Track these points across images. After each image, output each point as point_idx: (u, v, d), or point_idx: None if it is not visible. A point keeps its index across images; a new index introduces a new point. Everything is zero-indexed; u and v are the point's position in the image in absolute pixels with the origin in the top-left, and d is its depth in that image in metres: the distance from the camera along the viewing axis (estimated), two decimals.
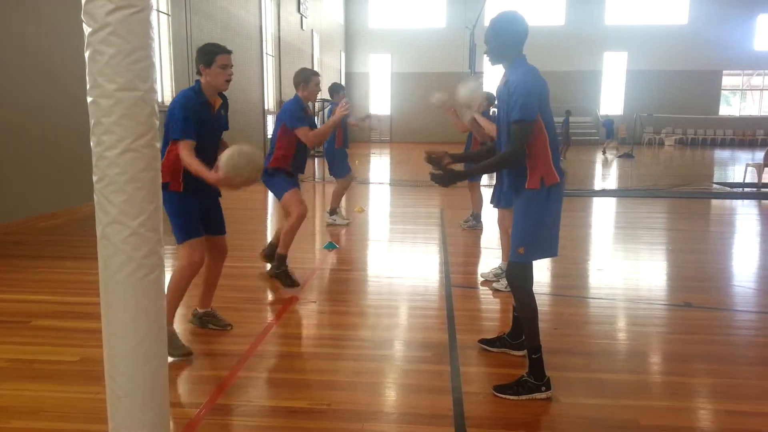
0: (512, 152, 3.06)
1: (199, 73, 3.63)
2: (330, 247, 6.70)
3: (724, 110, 31.71)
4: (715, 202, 11.06)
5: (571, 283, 5.47)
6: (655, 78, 30.22)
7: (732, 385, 3.34)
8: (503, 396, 3.14)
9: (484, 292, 5.11)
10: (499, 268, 5.32)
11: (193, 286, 3.85)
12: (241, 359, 3.62)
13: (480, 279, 5.44)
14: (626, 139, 23.94)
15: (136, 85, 2.11)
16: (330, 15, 28.06)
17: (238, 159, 3.18)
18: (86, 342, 3.84)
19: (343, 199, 8.77)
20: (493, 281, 5.25)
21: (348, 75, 31.96)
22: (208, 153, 3.65)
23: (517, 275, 3.22)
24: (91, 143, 2.14)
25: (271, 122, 18.81)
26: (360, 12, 31.92)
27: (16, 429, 2.84)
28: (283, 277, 5.10)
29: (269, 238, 7.73)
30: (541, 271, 5.63)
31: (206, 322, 4.09)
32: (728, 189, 12.63)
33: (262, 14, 17.90)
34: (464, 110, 6.23)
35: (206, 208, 3.76)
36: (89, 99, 2.11)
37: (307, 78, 5.16)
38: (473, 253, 6.74)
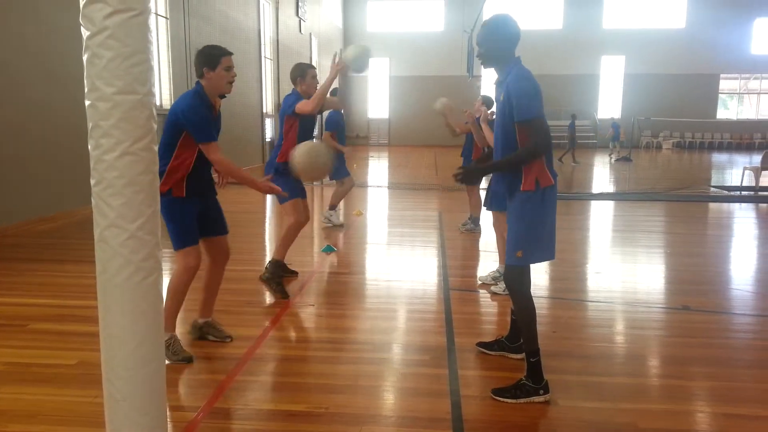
0: (537, 145, 3.02)
1: (200, 75, 3.58)
2: (328, 250, 6.70)
3: (722, 114, 31.80)
4: (712, 205, 11.08)
5: (570, 286, 5.47)
6: (652, 81, 30.29)
7: (730, 388, 3.34)
8: (501, 399, 3.14)
9: (483, 296, 5.11)
10: (497, 271, 5.32)
11: (193, 291, 3.83)
12: (239, 362, 3.62)
13: (478, 282, 5.44)
14: (624, 142, 23.96)
15: (135, 89, 2.11)
16: (328, 18, 28.10)
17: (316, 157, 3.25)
18: (84, 345, 3.83)
19: (342, 204, 8.78)
20: (491, 284, 5.25)
21: (346, 78, 31.95)
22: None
23: (514, 278, 3.22)
24: (89, 146, 2.14)
25: (269, 125, 18.82)
26: (358, 15, 31.98)
27: None
28: (272, 283, 5.00)
29: (268, 242, 7.74)
30: (540, 274, 5.64)
31: (206, 333, 3.94)
32: (726, 192, 12.65)
33: (261, 17, 17.93)
34: (461, 114, 6.25)
35: (206, 208, 3.74)
36: (87, 102, 2.11)
37: (303, 72, 5.15)
38: (471, 256, 6.75)
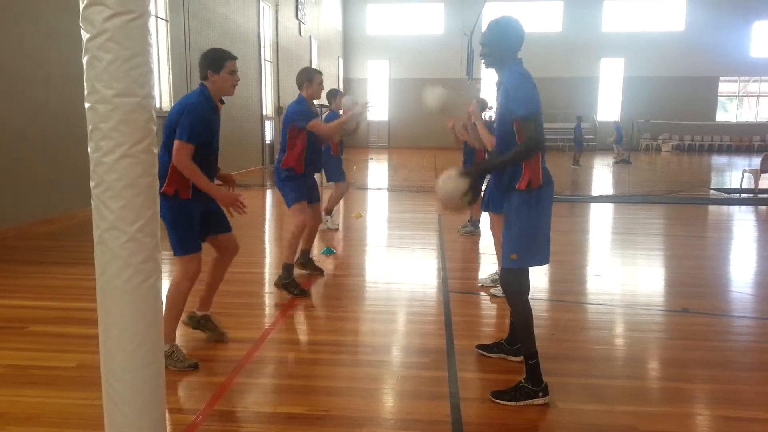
0: (532, 141, 3.02)
1: (204, 78, 3.59)
2: (328, 252, 6.70)
3: (721, 116, 31.83)
4: (712, 208, 11.08)
5: (569, 288, 5.47)
6: (651, 84, 30.32)
7: (729, 391, 3.34)
8: (501, 402, 3.14)
9: (482, 298, 5.11)
10: (497, 273, 5.31)
11: (194, 291, 3.83)
12: (238, 365, 3.61)
13: (478, 284, 5.44)
14: (623, 145, 23.97)
15: (134, 91, 2.11)
16: (328, 21, 28.13)
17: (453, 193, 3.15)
18: (83, 348, 3.83)
19: (341, 206, 8.78)
20: (491, 287, 5.25)
21: (346, 81, 32.03)
22: (213, 158, 3.67)
23: (510, 281, 3.21)
24: (89, 149, 2.14)
25: (269, 128, 18.82)
26: (358, 18, 32.02)
27: None
28: (291, 287, 5.09)
29: (267, 244, 7.74)
30: (539, 276, 5.64)
31: (203, 326, 3.97)
32: (725, 195, 12.66)
33: (261, 20, 17.94)
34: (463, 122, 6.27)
35: (207, 208, 3.72)
36: (87, 105, 2.11)
37: (310, 76, 5.17)
38: (471, 258, 6.75)
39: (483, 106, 6.46)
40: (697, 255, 7.01)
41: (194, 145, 3.47)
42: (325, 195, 7.63)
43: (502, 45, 3.16)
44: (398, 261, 6.63)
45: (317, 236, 7.54)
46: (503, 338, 3.80)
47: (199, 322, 3.98)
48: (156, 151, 2.25)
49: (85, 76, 2.10)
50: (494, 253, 5.51)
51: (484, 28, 3.26)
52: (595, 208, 10.79)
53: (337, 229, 8.02)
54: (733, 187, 13.86)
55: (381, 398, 3.28)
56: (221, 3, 14.75)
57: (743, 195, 12.64)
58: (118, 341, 2.21)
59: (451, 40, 30.36)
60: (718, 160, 24.37)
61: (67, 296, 5.03)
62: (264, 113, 18.27)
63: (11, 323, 4.35)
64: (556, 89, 28.43)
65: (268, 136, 18.78)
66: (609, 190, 13.68)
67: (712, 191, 13.26)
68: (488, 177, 3.56)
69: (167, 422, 2.53)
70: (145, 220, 2.18)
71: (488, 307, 4.91)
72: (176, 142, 3.44)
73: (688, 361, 3.77)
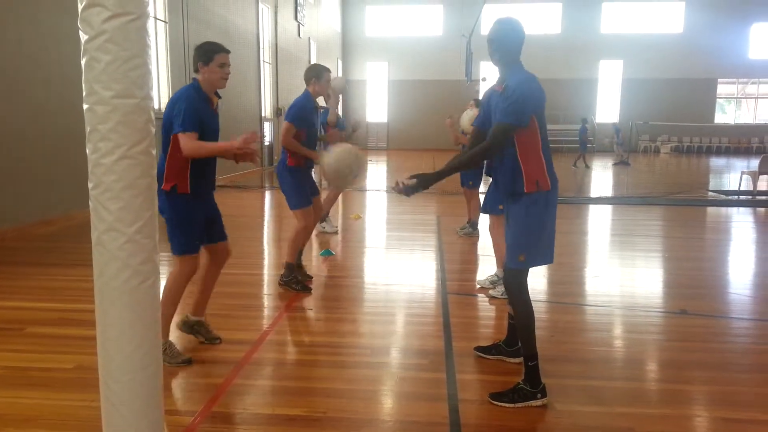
0: (486, 148, 3.10)
1: (196, 70, 3.63)
2: (326, 254, 6.70)
3: (720, 118, 31.86)
4: (710, 209, 11.10)
5: (568, 290, 5.47)
6: (650, 86, 30.36)
7: (728, 393, 3.34)
8: (499, 403, 3.14)
9: (481, 300, 5.11)
10: (495, 275, 5.32)
11: (188, 294, 3.83)
12: (237, 367, 3.61)
13: (476, 286, 5.44)
14: (623, 146, 23.99)
15: (133, 93, 2.11)
16: (327, 23, 28.14)
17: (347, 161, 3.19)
18: (82, 349, 3.82)
19: (339, 208, 8.77)
20: (489, 288, 5.25)
21: (345, 82, 32.01)
22: (213, 158, 3.67)
23: (515, 282, 3.22)
24: (87, 150, 2.14)
25: (268, 129, 18.82)
26: (357, 20, 32.02)
27: None
28: (292, 283, 5.19)
29: (266, 246, 7.73)
30: (538, 278, 5.64)
31: (196, 331, 3.97)
32: (723, 197, 12.67)
33: (260, 22, 17.94)
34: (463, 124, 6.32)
35: (208, 214, 3.74)
36: (85, 106, 2.11)
37: (319, 73, 5.17)
38: (469, 260, 6.75)
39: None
40: (696, 257, 7.01)
41: (195, 132, 3.47)
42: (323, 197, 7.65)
43: (508, 43, 3.17)
44: (397, 262, 6.63)
45: (316, 238, 7.56)
46: (501, 340, 3.80)
47: (192, 327, 3.98)
48: (155, 152, 2.25)
49: (83, 77, 2.10)
50: (493, 254, 5.51)
51: (482, 30, 3.28)
52: (593, 209, 10.80)
53: (336, 233, 8.01)
54: (731, 188, 13.88)
55: (379, 400, 3.28)
56: (220, 4, 14.75)
57: (741, 197, 12.66)
58: (117, 343, 2.21)
59: (450, 41, 30.37)
60: (716, 161, 24.39)
61: (66, 297, 5.02)
62: (263, 114, 18.26)
63: (9, 324, 4.35)
64: (554, 91, 28.42)
65: (267, 138, 18.78)
66: (608, 192, 13.69)
67: (710, 193, 13.27)
68: (485, 178, 3.57)
69: (165, 424, 2.53)
70: (143, 221, 2.18)
71: (487, 309, 4.91)
72: (179, 137, 3.45)
73: (687, 362, 3.77)
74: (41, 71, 7.94)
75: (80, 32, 2.08)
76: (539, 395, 3.13)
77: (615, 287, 5.67)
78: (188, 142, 3.43)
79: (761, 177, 12.76)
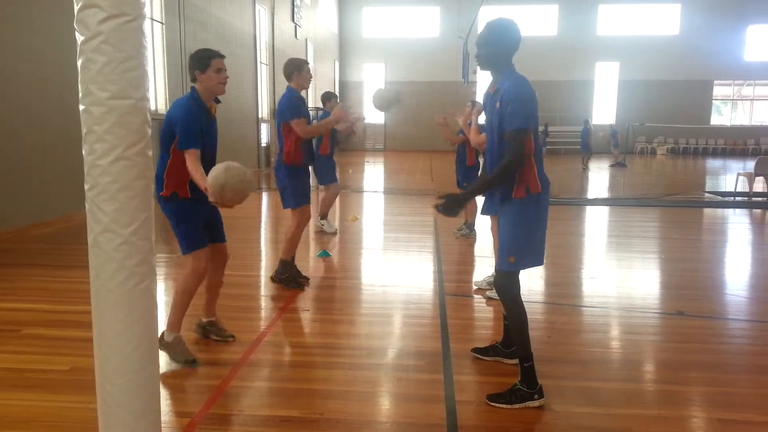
0: (510, 162, 3.04)
1: (194, 79, 3.62)
2: (323, 255, 6.69)
3: (716, 120, 31.92)
4: (707, 211, 11.12)
5: (564, 291, 5.48)
6: (646, 88, 30.41)
7: (724, 394, 3.35)
8: (496, 405, 3.14)
9: (478, 301, 5.11)
10: (492, 276, 5.32)
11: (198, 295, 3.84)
12: (234, 368, 3.61)
13: (473, 287, 5.44)
14: (619, 148, 24.03)
15: (129, 94, 2.11)
16: (324, 24, 28.14)
17: (225, 176, 3.19)
18: (78, 351, 3.81)
19: (337, 209, 8.76)
20: (487, 289, 5.25)
21: (342, 84, 32.02)
22: (210, 160, 3.68)
23: (506, 284, 3.22)
24: (84, 151, 2.13)
25: (265, 131, 18.80)
26: (354, 21, 32.03)
27: None
28: (286, 281, 5.28)
29: (263, 247, 7.73)
30: (534, 279, 5.64)
31: (209, 332, 4.03)
32: (720, 198, 12.70)
33: (256, 23, 17.93)
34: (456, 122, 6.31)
35: (208, 216, 3.75)
36: (81, 107, 2.11)
37: (299, 66, 5.18)
38: (467, 261, 6.75)
39: (480, 108, 6.46)
40: (692, 258, 7.02)
41: (197, 150, 3.50)
42: (316, 196, 7.64)
43: (497, 47, 3.14)
44: (394, 264, 6.63)
45: (316, 239, 7.55)
46: (498, 341, 3.80)
47: (204, 329, 4.05)
48: (151, 153, 2.25)
49: (79, 79, 2.10)
50: (490, 255, 5.52)
51: (479, 31, 3.26)
52: (590, 210, 10.81)
53: (335, 233, 8.01)
54: (727, 190, 13.90)
55: (376, 401, 3.27)
56: (217, 6, 14.73)
57: (738, 198, 12.68)
58: (113, 344, 2.20)
59: (446, 43, 30.40)
60: (712, 163, 24.45)
61: (63, 299, 5.01)
62: (260, 116, 18.25)
63: (6, 326, 4.33)
64: (551, 93, 28.48)
65: (264, 139, 18.76)
66: (604, 193, 13.71)
67: (707, 194, 13.29)
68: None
69: (162, 426, 2.52)
70: (139, 223, 2.18)
71: (484, 310, 4.91)
72: (185, 154, 3.48)
73: (684, 364, 3.78)
74: (37, 72, 7.92)
75: (76, 33, 2.08)
76: (536, 396, 3.13)
77: (612, 288, 5.67)
78: (191, 164, 3.47)
79: (757, 178, 12.78)
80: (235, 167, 3.23)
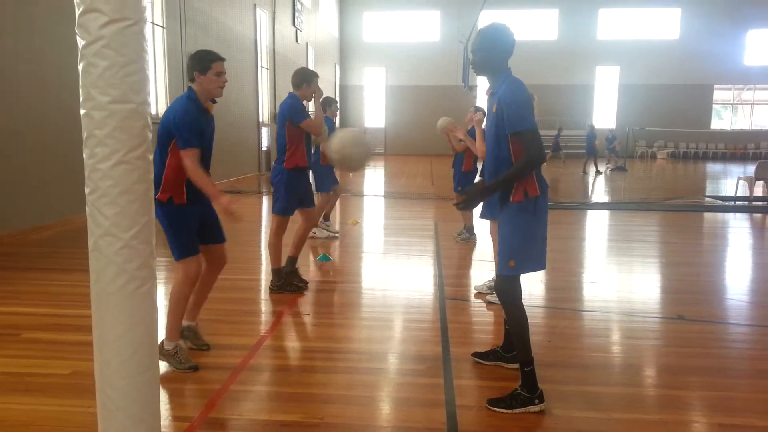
0: (530, 159, 3.04)
1: (192, 79, 3.59)
2: (324, 259, 6.69)
3: (716, 124, 31.94)
4: (707, 215, 11.11)
5: (565, 295, 5.47)
6: (647, 92, 30.44)
7: (725, 398, 3.34)
8: (497, 409, 3.13)
9: (478, 305, 5.11)
10: (493, 280, 5.32)
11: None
12: (233, 372, 3.60)
13: (474, 291, 5.44)
14: (619, 152, 24.04)
15: (130, 98, 2.11)
16: (324, 28, 28.19)
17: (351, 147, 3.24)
18: (78, 355, 3.81)
19: (337, 213, 8.75)
20: (487, 294, 5.24)
21: (342, 88, 32.06)
22: (206, 161, 3.67)
23: (506, 289, 3.21)
24: (84, 155, 2.14)
25: (265, 134, 18.81)
26: (354, 25, 32.08)
27: None
28: (282, 287, 5.30)
29: (263, 251, 7.72)
30: (535, 283, 5.64)
31: (185, 336, 3.90)
32: (720, 202, 12.69)
33: (257, 27, 17.97)
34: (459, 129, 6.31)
35: (205, 216, 3.73)
36: (82, 111, 2.11)
37: (309, 78, 5.24)
38: (467, 265, 6.75)
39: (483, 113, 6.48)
40: (693, 262, 7.02)
41: (197, 149, 3.49)
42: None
43: (491, 52, 3.17)
44: (394, 268, 6.63)
45: (313, 243, 7.55)
46: (499, 345, 3.80)
47: (182, 333, 3.90)
48: (151, 157, 2.25)
49: (80, 83, 2.10)
50: (490, 259, 5.51)
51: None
52: (590, 215, 10.81)
53: (337, 237, 8.00)
54: (728, 194, 13.90)
55: (377, 406, 3.27)
56: (218, 10, 14.77)
57: (738, 202, 12.68)
58: (113, 348, 2.20)
59: (447, 47, 30.44)
60: (713, 167, 24.45)
61: (62, 303, 5.00)
62: (260, 120, 18.27)
63: (5, 330, 4.33)
64: (551, 97, 28.52)
65: (265, 143, 18.77)
66: (605, 198, 13.71)
67: (707, 198, 13.29)
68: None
69: (162, 430, 2.52)
70: (140, 226, 2.18)
71: (484, 314, 4.91)
72: (181, 153, 3.47)
73: (684, 368, 3.77)
74: (38, 76, 7.94)
75: (77, 38, 2.08)
76: (537, 401, 3.13)
77: (612, 293, 5.67)
78: (190, 163, 3.46)
79: (757, 183, 12.78)
80: (362, 144, 3.28)
